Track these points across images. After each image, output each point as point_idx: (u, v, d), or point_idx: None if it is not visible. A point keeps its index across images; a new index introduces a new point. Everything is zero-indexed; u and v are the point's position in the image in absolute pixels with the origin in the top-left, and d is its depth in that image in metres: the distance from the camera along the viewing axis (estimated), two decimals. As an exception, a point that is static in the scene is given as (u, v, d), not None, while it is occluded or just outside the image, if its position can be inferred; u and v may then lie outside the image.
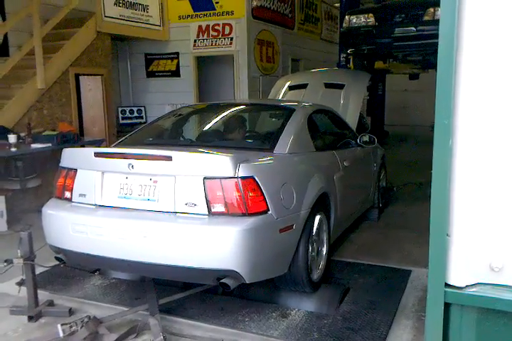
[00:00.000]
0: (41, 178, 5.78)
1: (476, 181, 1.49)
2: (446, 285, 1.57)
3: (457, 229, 1.53)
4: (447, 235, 1.54)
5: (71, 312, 3.13)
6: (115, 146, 3.66)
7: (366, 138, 4.56)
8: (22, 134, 5.70)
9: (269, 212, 2.78)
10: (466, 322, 1.61)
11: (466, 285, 1.55)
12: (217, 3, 8.86)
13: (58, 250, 3.12)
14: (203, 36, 9.06)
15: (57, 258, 3.17)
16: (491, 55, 1.44)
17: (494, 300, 1.52)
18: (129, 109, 9.27)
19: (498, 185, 1.47)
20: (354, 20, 8.29)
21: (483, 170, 1.48)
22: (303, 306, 3.19)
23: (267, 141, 3.59)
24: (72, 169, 3.14)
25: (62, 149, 3.31)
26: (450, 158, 1.48)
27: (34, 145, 5.54)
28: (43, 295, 3.32)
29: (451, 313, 1.61)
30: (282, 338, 2.81)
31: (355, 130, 5.15)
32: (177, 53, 9.30)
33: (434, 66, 8.27)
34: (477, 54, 1.45)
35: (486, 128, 1.46)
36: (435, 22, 6.69)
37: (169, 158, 2.78)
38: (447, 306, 1.59)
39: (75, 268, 3.71)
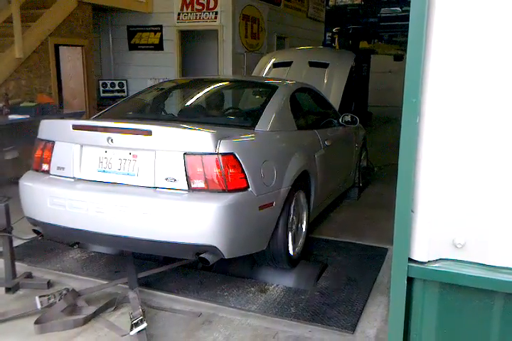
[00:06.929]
0: (19, 150, 5.67)
1: (441, 158, 1.51)
2: (410, 260, 1.60)
3: (421, 205, 1.56)
4: (412, 211, 1.56)
5: (49, 284, 3.13)
6: (94, 119, 3.60)
7: (348, 118, 4.57)
8: (-1, 105, 5.57)
9: (249, 189, 2.79)
10: (428, 296, 1.65)
11: (429, 261, 1.59)
12: (202, -25, 8.65)
13: (36, 222, 3.10)
14: (187, 9, 8.85)
15: (34, 231, 3.15)
16: (460, 38, 1.45)
17: (456, 276, 1.56)
18: (110, 82, 9.08)
19: (463, 163, 1.50)
20: (341, -2, 8.21)
21: (448, 147, 1.50)
22: (281, 282, 3.24)
23: (249, 118, 3.57)
24: (50, 141, 3.09)
25: (40, 121, 3.25)
26: (417, 135, 1.50)
27: (11, 117, 5.41)
28: (21, 267, 3.30)
29: (414, 287, 1.65)
30: (260, 312, 2.86)
31: (337, 109, 5.15)
32: (160, 26, 9.08)
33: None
34: (446, 36, 1.45)
35: (453, 107, 1.48)
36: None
37: (149, 133, 2.75)
38: (410, 281, 1.63)
39: (54, 241, 3.69)
